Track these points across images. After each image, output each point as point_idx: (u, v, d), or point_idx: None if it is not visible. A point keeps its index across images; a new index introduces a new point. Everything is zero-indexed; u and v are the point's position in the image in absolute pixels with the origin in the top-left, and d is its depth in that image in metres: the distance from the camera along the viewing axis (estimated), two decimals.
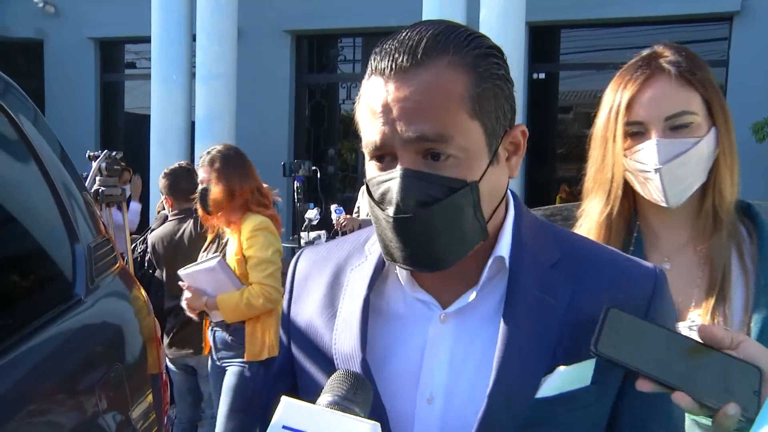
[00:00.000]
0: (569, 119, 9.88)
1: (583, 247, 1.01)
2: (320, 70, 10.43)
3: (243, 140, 8.69)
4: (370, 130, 0.90)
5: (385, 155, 0.90)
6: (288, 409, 0.82)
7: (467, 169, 0.89)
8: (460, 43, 0.89)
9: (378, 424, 0.81)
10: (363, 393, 0.86)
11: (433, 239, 0.89)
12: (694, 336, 1.37)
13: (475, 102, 0.88)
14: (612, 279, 0.96)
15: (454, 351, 0.95)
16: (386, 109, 0.88)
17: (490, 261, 0.95)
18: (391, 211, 0.88)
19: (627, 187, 1.44)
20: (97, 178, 4.05)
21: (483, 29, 6.98)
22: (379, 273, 1.00)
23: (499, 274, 0.96)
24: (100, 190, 3.98)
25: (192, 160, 8.14)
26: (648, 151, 1.36)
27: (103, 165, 4.06)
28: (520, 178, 7.95)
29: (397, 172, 0.87)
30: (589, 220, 1.48)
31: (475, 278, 0.96)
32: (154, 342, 2.30)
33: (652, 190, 1.38)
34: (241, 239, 3.24)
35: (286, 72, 9.85)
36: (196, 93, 8.19)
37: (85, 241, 2.02)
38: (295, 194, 6.49)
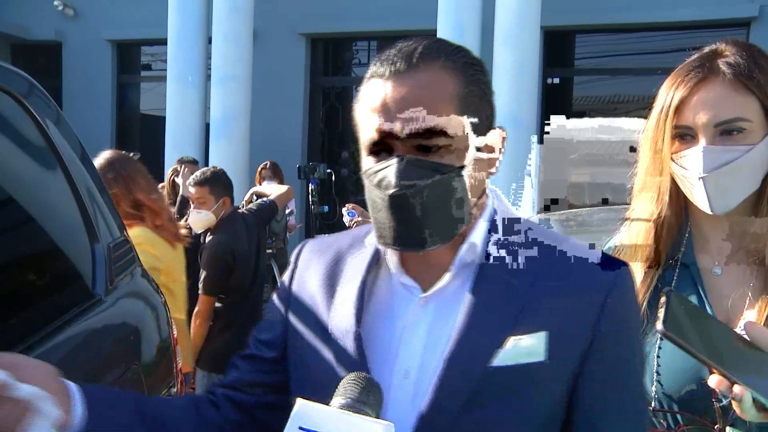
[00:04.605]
0: None
1: (552, 240, 1.07)
2: (335, 73, 10.46)
3: (257, 142, 8.76)
4: (368, 127, 0.99)
5: (381, 150, 0.99)
6: (303, 410, 0.85)
7: (456, 158, 0.98)
8: (451, 51, 1.01)
9: (392, 425, 0.84)
10: (375, 395, 0.89)
11: (424, 217, 0.97)
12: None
13: (463, 101, 0.98)
14: (573, 270, 1.02)
15: (430, 331, 1.03)
16: (384, 108, 0.97)
17: (465, 246, 1.03)
18: (388, 190, 0.96)
19: (678, 189, 1.39)
20: None
21: (498, 33, 6.98)
22: (375, 262, 1.09)
23: (475, 259, 1.04)
24: None
25: (206, 161, 8.20)
26: (693, 158, 1.30)
27: None
28: None
29: (393, 159, 0.97)
30: (639, 221, 1.44)
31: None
32: (171, 342, 2.33)
33: (697, 197, 1.33)
34: None
35: (300, 75, 9.89)
36: (212, 95, 8.25)
37: (104, 241, 2.05)
38: (310, 197, 6.53)
